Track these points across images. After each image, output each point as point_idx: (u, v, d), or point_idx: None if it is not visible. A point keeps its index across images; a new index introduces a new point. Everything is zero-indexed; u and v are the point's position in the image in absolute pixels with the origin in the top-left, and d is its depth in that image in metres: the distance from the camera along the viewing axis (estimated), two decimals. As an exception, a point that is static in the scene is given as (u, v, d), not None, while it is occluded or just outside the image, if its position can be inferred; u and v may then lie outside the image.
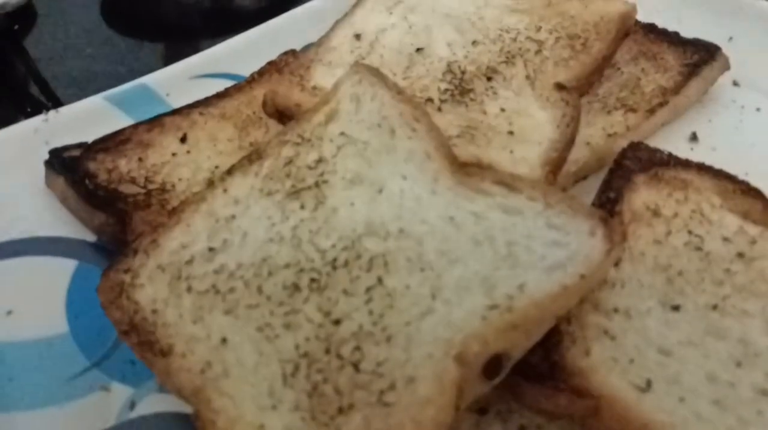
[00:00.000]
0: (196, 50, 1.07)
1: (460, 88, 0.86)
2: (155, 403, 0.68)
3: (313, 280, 0.64)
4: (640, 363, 0.62)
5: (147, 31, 1.31)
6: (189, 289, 0.65)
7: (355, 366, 0.58)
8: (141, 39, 1.28)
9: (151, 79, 1.00)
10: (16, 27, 1.28)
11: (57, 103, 1.10)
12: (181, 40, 1.31)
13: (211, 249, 0.68)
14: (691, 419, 0.58)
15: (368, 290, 0.62)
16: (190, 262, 0.67)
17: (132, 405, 0.68)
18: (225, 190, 0.72)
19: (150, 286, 0.66)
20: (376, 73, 0.76)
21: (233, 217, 0.69)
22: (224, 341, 0.62)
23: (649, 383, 0.60)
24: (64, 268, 0.79)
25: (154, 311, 0.64)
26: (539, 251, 0.62)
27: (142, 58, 1.23)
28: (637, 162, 0.79)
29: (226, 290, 0.65)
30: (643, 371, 0.61)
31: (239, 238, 0.68)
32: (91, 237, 0.83)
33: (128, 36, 1.29)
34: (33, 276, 0.78)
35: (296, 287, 0.64)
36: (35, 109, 0.96)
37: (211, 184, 0.73)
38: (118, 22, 1.32)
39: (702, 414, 0.59)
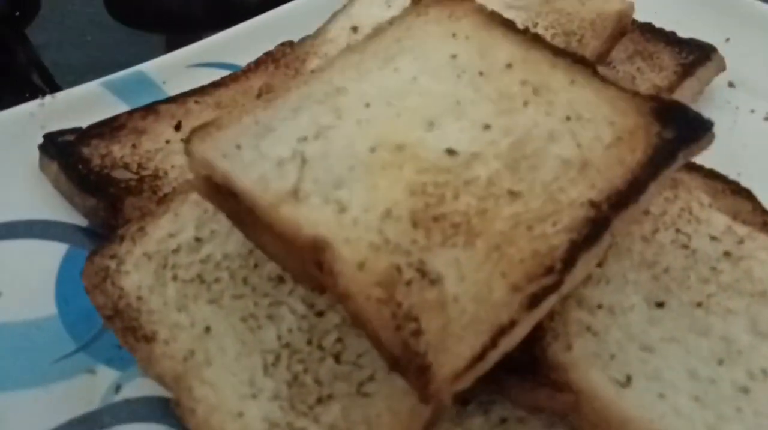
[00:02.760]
0: (197, 41, 1.07)
1: (454, 82, 0.86)
2: (140, 387, 0.68)
3: (298, 271, 0.64)
4: (621, 359, 0.62)
5: (149, 22, 1.32)
6: (174, 277, 0.66)
7: (336, 357, 0.59)
8: (143, 29, 1.29)
9: (148, 67, 1.01)
10: (17, 14, 1.28)
11: (57, 90, 1.10)
12: (182, 31, 1.31)
13: (198, 239, 0.68)
14: (670, 415, 0.59)
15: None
16: (176, 251, 0.68)
17: (117, 388, 0.69)
18: (214, 180, 0.72)
19: (135, 273, 0.67)
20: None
21: (221, 207, 0.70)
22: (208, 329, 0.63)
23: (629, 379, 0.60)
24: (54, 251, 0.80)
25: (139, 298, 0.65)
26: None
27: (144, 48, 1.23)
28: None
29: (211, 280, 0.65)
30: (624, 367, 0.61)
31: (226, 229, 0.68)
32: (82, 221, 0.83)
33: (130, 26, 1.29)
34: (24, 259, 0.79)
35: (281, 279, 0.64)
36: (35, 97, 0.96)
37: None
38: (120, 12, 1.32)
39: (681, 410, 0.59)
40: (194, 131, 0.61)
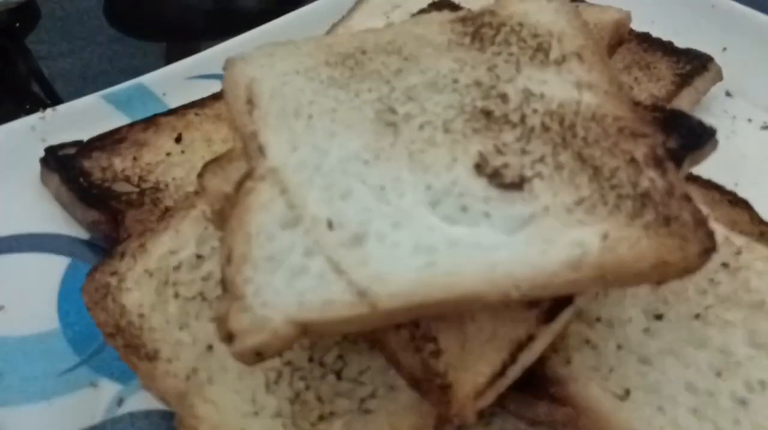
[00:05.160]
0: (197, 51, 1.08)
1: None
2: (143, 400, 0.69)
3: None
4: (620, 372, 0.62)
5: (149, 31, 1.32)
6: (176, 295, 0.66)
7: (338, 374, 0.59)
8: (143, 39, 1.29)
9: (148, 79, 1.01)
10: (17, 24, 1.29)
11: (57, 101, 1.11)
12: (183, 41, 1.32)
13: (199, 256, 0.69)
14: (668, 428, 0.59)
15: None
16: (177, 268, 0.68)
17: (120, 402, 0.69)
18: (215, 197, 0.72)
19: (137, 290, 0.67)
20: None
21: (222, 223, 0.70)
22: (210, 348, 0.63)
23: (627, 392, 0.61)
24: (56, 265, 0.80)
25: (141, 316, 0.65)
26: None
27: (144, 58, 1.23)
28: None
29: (213, 297, 0.66)
30: (623, 380, 0.62)
31: (227, 245, 0.69)
32: (84, 234, 0.84)
33: (130, 36, 1.29)
34: (26, 272, 0.80)
35: None
36: (35, 107, 0.97)
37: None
38: (121, 22, 1.33)
39: (680, 423, 0.59)
40: (206, 166, 0.62)
